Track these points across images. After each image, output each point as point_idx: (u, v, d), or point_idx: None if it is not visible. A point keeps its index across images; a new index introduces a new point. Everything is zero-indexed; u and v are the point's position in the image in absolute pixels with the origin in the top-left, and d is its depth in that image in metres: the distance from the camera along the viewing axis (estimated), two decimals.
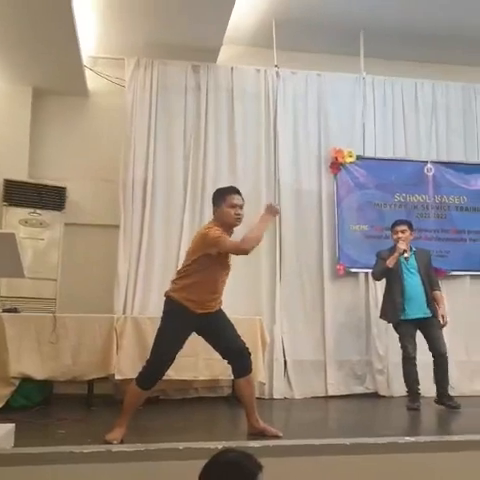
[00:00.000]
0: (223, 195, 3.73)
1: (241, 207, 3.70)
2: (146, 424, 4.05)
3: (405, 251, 5.03)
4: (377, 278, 5.34)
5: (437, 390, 4.94)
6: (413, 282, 5.03)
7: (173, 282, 3.73)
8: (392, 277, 5.07)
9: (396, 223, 5.24)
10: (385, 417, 5.04)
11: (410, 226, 5.23)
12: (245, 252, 3.52)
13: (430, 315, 4.98)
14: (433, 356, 4.93)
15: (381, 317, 5.29)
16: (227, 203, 3.68)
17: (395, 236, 5.14)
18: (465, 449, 3.20)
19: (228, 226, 3.67)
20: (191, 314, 3.56)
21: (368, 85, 6.41)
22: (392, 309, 5.05)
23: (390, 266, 5.01)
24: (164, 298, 3.69)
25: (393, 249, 5.12)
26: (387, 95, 6.46)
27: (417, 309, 4.97)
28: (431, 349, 4.93)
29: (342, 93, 6.36)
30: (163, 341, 3.54)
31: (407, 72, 6.53)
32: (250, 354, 3.73)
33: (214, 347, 3.75)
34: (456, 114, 6.59)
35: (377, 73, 6.42)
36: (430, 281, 5.10)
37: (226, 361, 3.74)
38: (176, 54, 5.88)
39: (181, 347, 3.58)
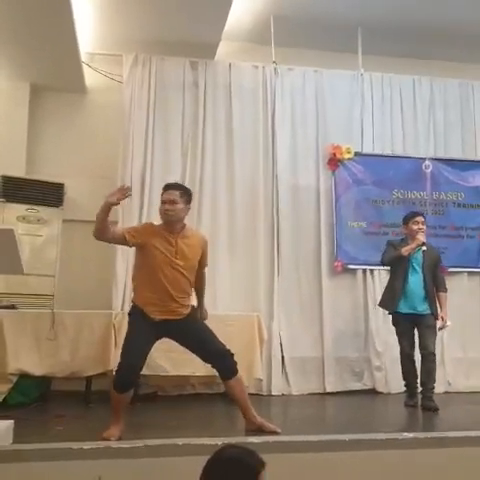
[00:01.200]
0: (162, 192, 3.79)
1: (170, 202, 3.65)
2: (144, 420, 4.05)
3: (424, 244, 4.89)
4: (387, 263, 5.12)
5: (421, 392, 4.83)
6: (414, 278, 4.91)
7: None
8: (397, 269, 4.96)
9: (416, 214, 5.10)
10: (383, 413, 5.04)
11: (425, 219, 5.11)
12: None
13: (426, 313, 4.86)
14: (421, 355, 4.84)
15: (379, 305, 5.25)
16: (161, 200, 3.74)
17: (415, 227, 4.95)
18: (462, 445, 3.22)
19: (163, 222, 3.71)
20: (150, 319, 3.57)
21: (366, 82, 6.40)
22: (390, 299, 4.98)
23: (405, 255, 4.85)
24: None
25: (404, 241, 5.00)
26: (385, 92, 6.46)
27: (411, 305, 4.86)
28: (420, 347, 4.87)
29: (340, 90, 6.36)
30: (127, 345, 3.56)
31: (405, 69, 6.53)
32: (232, 355, 3.70)
33: (194, 352, 3.74)
34: (454, 111, 6.60)
35: (375, 70, 6.41)
36: (436, 281, 4.98)
37: (209, 365, 3.75)
38: (174, 50, 5.87)
39: (146, 351, 3.58)
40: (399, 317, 4.94)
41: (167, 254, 3.61)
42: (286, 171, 6.08)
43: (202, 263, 3.85)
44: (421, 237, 4.88)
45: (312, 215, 6.10)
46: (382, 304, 5.20)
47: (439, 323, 4.92)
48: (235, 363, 3.70)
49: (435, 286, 4.97)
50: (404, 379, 5.00)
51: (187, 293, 3.73)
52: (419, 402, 4.82)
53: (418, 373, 4.89)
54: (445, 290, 5.03)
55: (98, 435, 3.29)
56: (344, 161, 6.16)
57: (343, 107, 6.33)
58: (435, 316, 4.88)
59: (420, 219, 5.00)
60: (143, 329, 3.56)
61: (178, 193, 3.71)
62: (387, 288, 5.14)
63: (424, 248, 4.90)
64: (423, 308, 4.87)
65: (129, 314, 3.72)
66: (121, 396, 3.50)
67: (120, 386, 3.49)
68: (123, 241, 3.63)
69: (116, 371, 3.54)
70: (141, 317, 3.59)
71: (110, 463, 2.69)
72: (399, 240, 5.10)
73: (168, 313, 3.60)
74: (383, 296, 5.19)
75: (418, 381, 4.90)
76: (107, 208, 3.48)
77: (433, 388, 4.78)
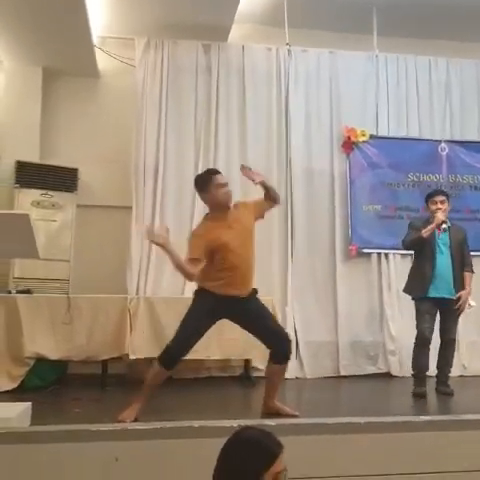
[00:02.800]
0: (207, 180, 3.75)
1: (227, 184, 3.73)
2: (159, 403, 4.07)
3: (444, 222, 4.63)
4: (407, 247, 4.88)
5: (436, 376, 4.74)
6: (442, 259, 4.66)
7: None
8: (423, 251, 4.70)
9: (434, 193, 4.87)
10: (398, 397, 5.03)
11: (448, 197, 4.85)
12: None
13: (453, 298, 4.63)
14: (441, 341, 4.73)
15: (405, 291, 4.91)
16: (214, 184, 3.70)
17: (433, 207, 4.72)
18: (478, 428, 3.21)
19: (220, 207, 3.70)
20: (215, 297, 3.59)
21: (381, 63, 6.31)
22: (420, 283, 4.67)
23: (425, 236, 4.60)
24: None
25: (427, 221, 4.78)
26: (400, 73, 6.37)
27: (442, 288, 4.62)
28: (442, 333, 4.72)
29: (355, 71, 6.28)
30: (186, 322, 3.58)
31: (421, 49, 6.42)
32: (290, 342, 3.76)
33: (252, 333, 3.75)
34: (470, 92, 6.49)
35: (390, 51, 6.32)
36: (463, 260, 4.76)
37: (265, 346, 3.75)
38: (186, 33, 5.82)
39: (203, 331, 3.61)
40: (426, 301, 4.65)
41: (230, 241, 3.62)
42: (300, 154, 6.04)
43: (261, 209, 3.92)
44: (441, 216, 4.66)
45: (326, 199, 6.06)
46: (408, 290, 4.86)
47: (461, 303, 4.69)
48: (290, 352, 3.76)
49: (462, 266, 4.76)
50: (413, 365, 4.73)
51: (252, 270, 3.74)
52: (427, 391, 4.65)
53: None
54: (471, 270, 4.82)
55: (115, 417, 3.32)
56: (359, 144, 6.09)
57: (358, 89, 6.26)
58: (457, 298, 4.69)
59: (438, 198, 4.76)
60: (205, 309, 3.58)
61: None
62: (414, 272, 4.83)
63: (444, 226, 4.66)
64: (452, 292, 4.65)
65: (193, 296, 3.73)
66: (163, 372, 3.53)
67: (169, 361, 3.52)
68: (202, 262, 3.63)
69: (167, 346, 3.55)
70: (205, 296, 3.61)
71: (127, 445, 2.71)
72: (422, 221, 4.87)
73: (234, 291, 3.62)
74: (409, 281, 4.85)
75: (429, 369, 4.73)
76: (167, 251, 3.53)
77: (449, 373, 4.73)
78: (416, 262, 4.86)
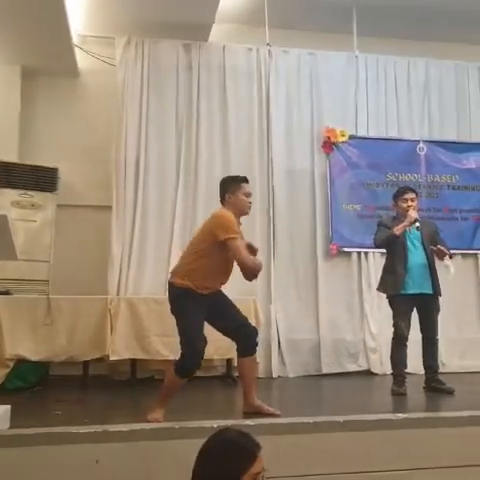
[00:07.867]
0: (238, 183, 3.74)
1: (251, 195, 3.80)
2: (141, 404, 4.07)
3: (417, 220, 4.57)
4: (380, 245, 4.79)
5: (426, 375, 4.69)
6: (416, 255, 4.60)
7: (179, 267, 3.69)
8: (395, 249, 4.63)
9: (405, 190, 4.79)
10: (378, 394, 5.08)
11: (417, 195, 4.81)
12: (248, 268, 3.58)
13: (432, 293, 4.58)
14: (424, 340, 4.68)
15: (379, 289, 4.90)
16: (242, 191, 3.70)
17: (404, 204, 4.66)
18: (456, 425, 3.26)
19: (240, 214, 3.70)
20: (197, 294, 3.54)
21: (361, 63, 6.38)
22: (393, 281, 4.62)
23: (397, 234, 4.54)
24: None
25: (396, 219, 4.72)
26: (380, 73, 6.45)
27: (418, 284, 4.55)
28: (423, 332, 4.66)
29: (335, 72, 6.33)
30: (191, 331, 3.50)
31: (400, 50, 6.49)
32: (257, 334, 3.75)
33: (219, 325, 3.70)
34: (449, 93, 6.58)
35: (370, 51, 6.39)
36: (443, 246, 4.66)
37: (231, 339, 3.74)
38: (167, 32, 5.81)
39: (203, 327, 3.55)
40: (401, 298, 4.59)
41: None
42: (281, 154, 6.07)
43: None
44: (413, 214, 4.62)
45: (307, 199, 6.10)
46: (382, 288, 4.81)
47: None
48: (257, 343, 3.74)
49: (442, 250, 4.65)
50: (392, 364, 4.70)
51: None
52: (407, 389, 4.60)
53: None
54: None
55: (97, 418, 3.31)
56: (338, 144, 6.15)
57: (338, 89, 6.31)
58: (438, 293, 4.64)
59: (409, 196, 4.70)
60: (199, 311, 3.53)
61: None
62: (387, 270, 4.76)
63: (417, 224, 4.61)
64: (428, 287, 4.59)
65: (175, 299, 3.60)
66: (182, 381, 3.50)
67: (187, 372, 3.48)
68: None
69: (183, 357, 3.47)
70: (193, 298, 3.54)
71: (107, 447, 2.71)
72: (391, 218, 4.85)
73: (213, 289, 3.65)
74: (383, 279, 4.80)
75: (407, 367, 4.69)
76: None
77: (438, 369, 4.73)
78: (389, 260, 4.79)
